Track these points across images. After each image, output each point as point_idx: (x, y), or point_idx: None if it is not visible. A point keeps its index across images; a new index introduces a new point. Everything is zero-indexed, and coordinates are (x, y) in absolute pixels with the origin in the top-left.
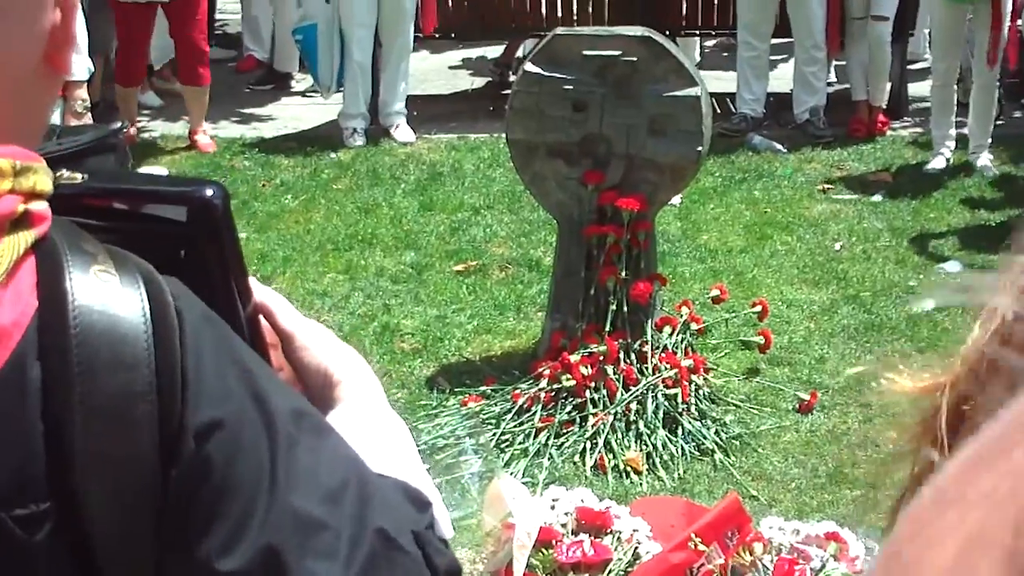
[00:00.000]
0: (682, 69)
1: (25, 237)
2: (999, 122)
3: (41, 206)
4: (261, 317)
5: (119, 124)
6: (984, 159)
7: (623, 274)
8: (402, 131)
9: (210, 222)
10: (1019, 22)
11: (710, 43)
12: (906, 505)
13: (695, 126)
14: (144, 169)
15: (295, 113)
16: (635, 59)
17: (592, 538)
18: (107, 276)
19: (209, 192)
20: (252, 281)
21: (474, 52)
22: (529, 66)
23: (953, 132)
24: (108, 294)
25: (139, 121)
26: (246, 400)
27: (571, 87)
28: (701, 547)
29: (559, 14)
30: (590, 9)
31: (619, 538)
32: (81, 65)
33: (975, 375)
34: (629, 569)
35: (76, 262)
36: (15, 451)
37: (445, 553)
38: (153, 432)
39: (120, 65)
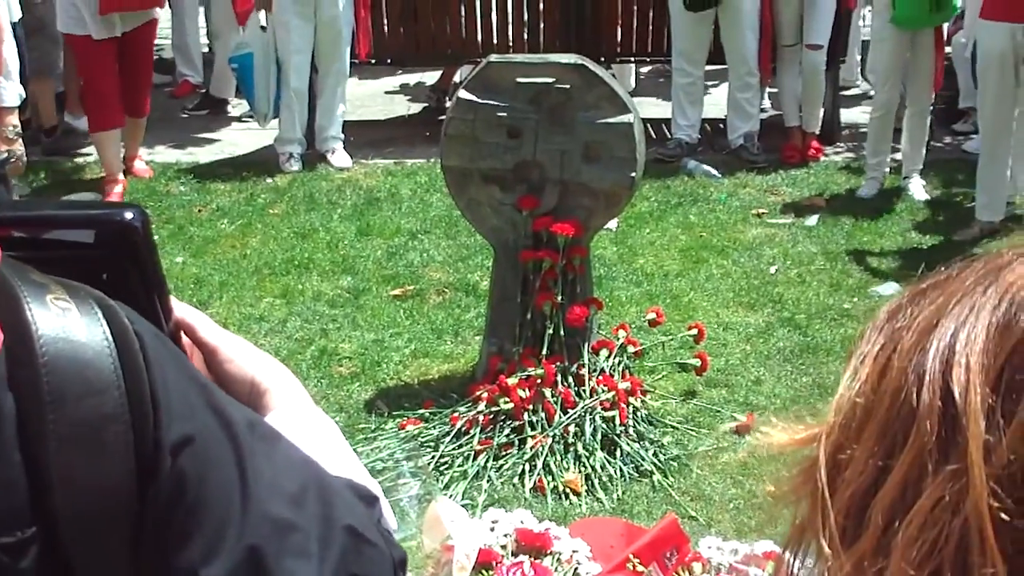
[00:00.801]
0: (615, 96)
1: None
2: (930, 145)
3: None
4: (182, 333)
5: (4, 155)
6: (916, 183)
7: (559, 298)
8: (339, 156)
9: (131, 243)
10: (946, 48)
11: (645, 69)
12: (788, 554)
13: (628, 152)
14: (75, 196)
15: (231, 138)
16: (568, 86)
17: (532, 559)
18: (64, 304)
19: (129, 215)
20: (171, 299)
21: (411, 78)
22: (463, 93)
23: (888, 159)
24: (69, 323)
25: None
26: (208, 414)
27: (505, 114)
28: (640, 568)
29: (495, 40)
30: (525, 36)
31: (559, 559)
32: (12, 91)
33: (848, 425)
34: None
35: (31, 293)
36: None
37: (396, 544)
38: (128, 453)
39: (91, 109)
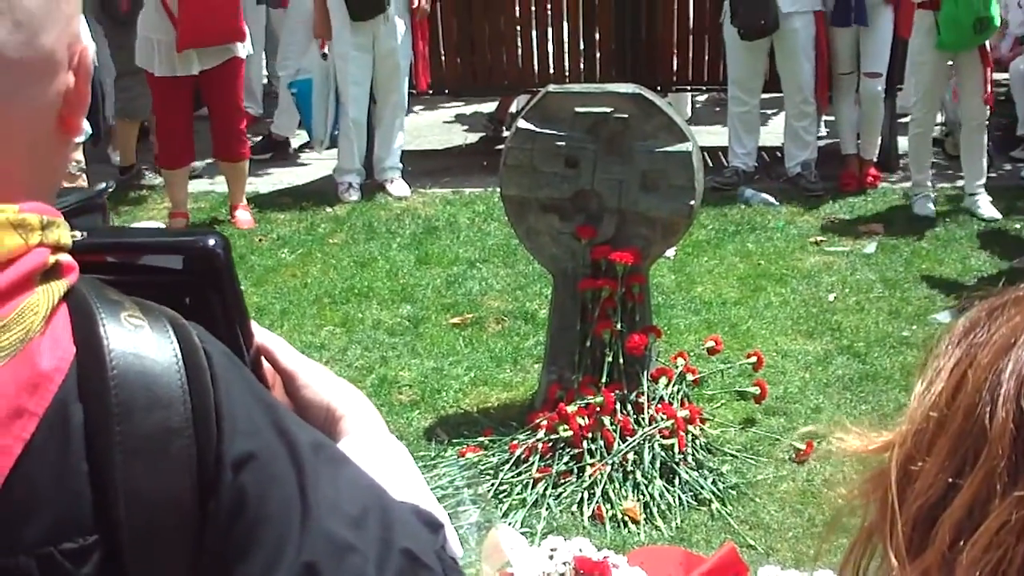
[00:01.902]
0: (673, 125)
1: (57, 287)
2: (989, 174)
3: (67, 258)
4: (263, 358)
5: (104, 185)
6: (984, 199)
7: (618, 326)
8: (397, 186)
9: (213, 269)
10: (1004, 75)
11: (702, 98)
12: (855, 558)
13: (687, 181)
14: (143, 223)
15: (291, 168)
16: (626, 116)
17: None
18: (137, 322)
19: (211, 241)
20: (253, 324)
21: (468, 108)
22: (522, 123)
23: (930, 174)
24: (140, 339)
25: (145, 174)
26: (272, 434)
27: (563, 143)
28: None
29: (551, 71)
30: (582, 65)
31: None
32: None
33: (921, 437)
34: None
35: (106, 310)
36: (62, 490)
37: (458, 571)
38: (191, 466)
39: (161, 146)
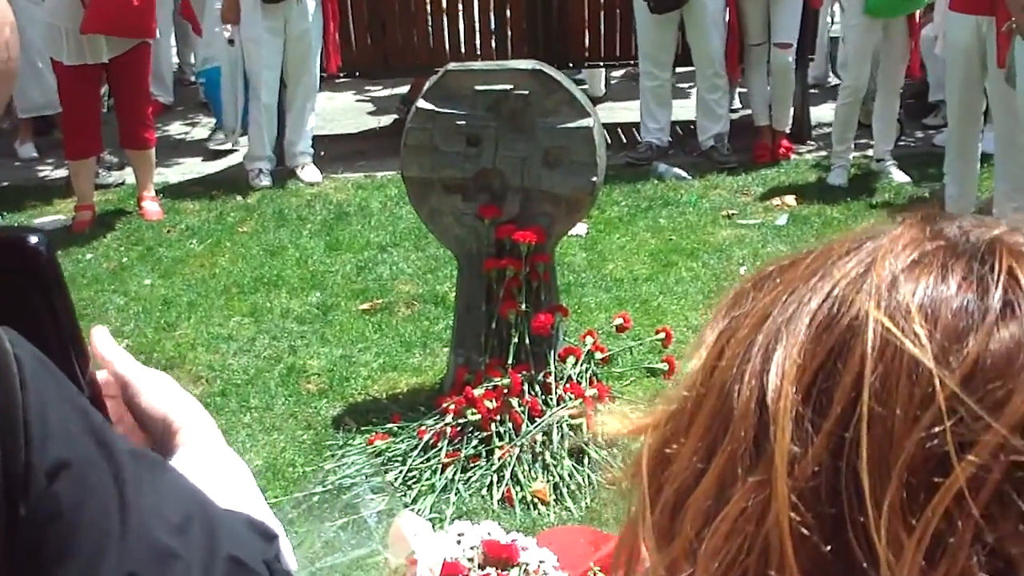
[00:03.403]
0: (574, 100)
1: None
2: (900, 142)
3: None
4: (103, 367)
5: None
6: (894, 167)
7: (524, 307)
8: (309, 171)
9: (36, 269)
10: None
11: (618, 74)
12: (627, 540)
13: (589, 157)
14: (44, 219)
15: (201, 157)
16: (527, 92)
17: (499, 571)
18: None
19: (33, 239)
20: (99, 331)
21: (381, 91)
22: (422, 102)
23: (852, 147)
24: None
25: (42, 170)
26: (89, 441)
27: (464, 122)
28: None
29: (463, 50)
30: (493, 44)
31: (526, 570)
32: None
33: (680, 417)
34: None
35: None
36: None
37: None
38: None
39: (68, 136)
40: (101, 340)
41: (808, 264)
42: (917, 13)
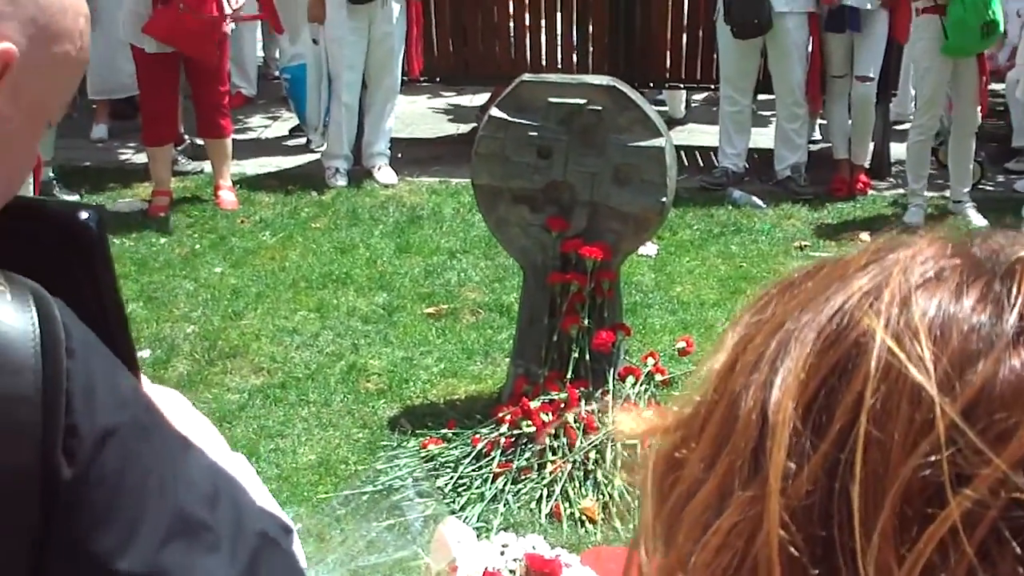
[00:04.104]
0: (647, 120)
1: None
2: (980, 185)
3: None
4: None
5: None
6: (971, 208)
7: (586, 322)
8: (384, 173)
9: (85, 244)
10: (1000, 85)
11: (699, 97)
12: (639, 544)
13: (659, 177)
14: (122, 202)
15: (280, 151)
16: (600, 108)
17: None
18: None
19: (84, 215)
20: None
21: (461, 98)
22: (495, 111)
23: (925, 184)
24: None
25: (123, 153)
26: (133, 411)
27: (536, 133)
28: None
29: (543, 62)
30: (575, 58)
31: None
32: None
33: (693, 421)
34: None
35: None
36: None
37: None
38: (36, 434)
39: (146, 123)
40: None
41: (828, 272)
42: (985, 52)
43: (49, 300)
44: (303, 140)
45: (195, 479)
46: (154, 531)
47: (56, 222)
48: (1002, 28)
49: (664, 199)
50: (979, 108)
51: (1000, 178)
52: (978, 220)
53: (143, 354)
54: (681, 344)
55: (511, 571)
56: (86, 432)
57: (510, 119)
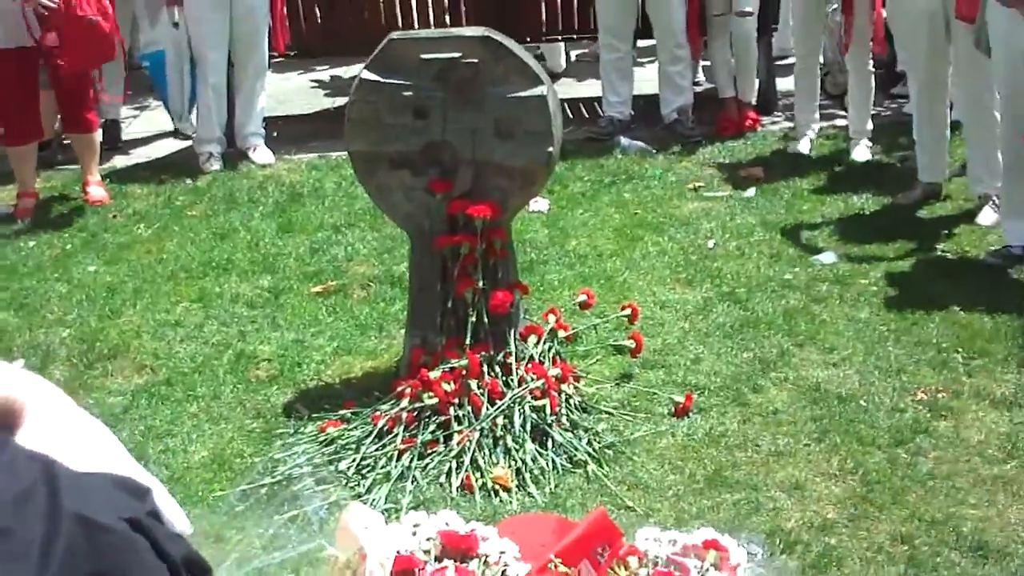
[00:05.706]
0: (526, 68)
1: None
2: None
3: None
4: None
5: None
6: (861, 147)
7: (481, 284)
8: (260, 153)
9: None
10: (883, 10)
11: (579, 51)
12: None
13: (543, 127)
14: None
15: (150, 141)
16: (476, 60)
17: (457, 563)
18: None
19: None
20: None
21: (337, 71)
22: (365, 74)
23: (817, 116)
24: None
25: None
26: None
27: (410, 93)
28: (563, 568)
29: (416, 26)
30: (447, 19)
31: (486, 561)
32: None
33: None
34: None
35: None
36: None
37: (179, 541)
38: None
39: (7, 122)
40: None
41: None
42: None
43: None
44: (172, 127)
45: None
46: None
47: None
48: None
49: (550, 149)
50: (869, 46)
51: (888, 103)
52: (861, 156)
53: (16, 364)
54: (582, 297)
55: (425, 551)
56: None
57: (382, 80)
